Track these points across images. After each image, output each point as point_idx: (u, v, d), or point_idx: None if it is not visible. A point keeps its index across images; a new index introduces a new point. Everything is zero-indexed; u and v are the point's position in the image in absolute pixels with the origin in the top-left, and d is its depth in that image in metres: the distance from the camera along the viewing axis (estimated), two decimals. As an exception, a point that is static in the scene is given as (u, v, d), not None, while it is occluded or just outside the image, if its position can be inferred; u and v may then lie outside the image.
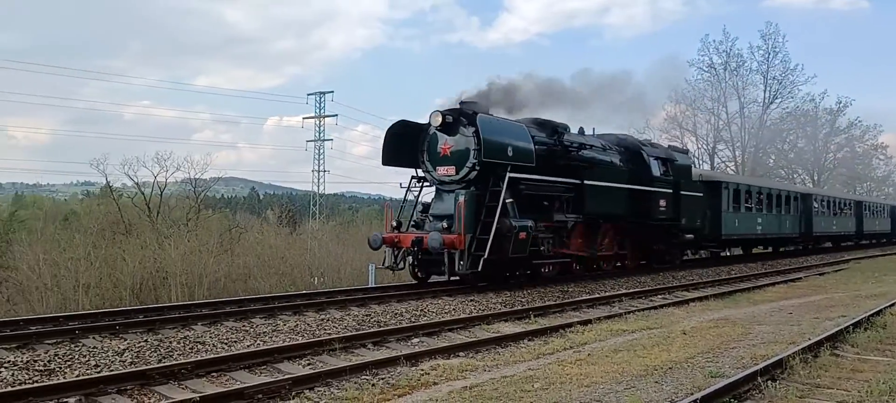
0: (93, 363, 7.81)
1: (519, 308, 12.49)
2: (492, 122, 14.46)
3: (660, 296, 15.08)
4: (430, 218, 14.75)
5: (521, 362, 8.15)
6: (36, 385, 6.74)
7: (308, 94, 63.58)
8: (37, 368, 7.50)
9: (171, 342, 8.84)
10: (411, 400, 6.62)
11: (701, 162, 48.50)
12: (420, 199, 15.54)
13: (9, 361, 7.68)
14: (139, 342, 8.82)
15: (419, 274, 14.97)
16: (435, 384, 7.15)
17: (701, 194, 21.76)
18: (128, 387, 6.88)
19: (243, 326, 10.13)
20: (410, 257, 14.58)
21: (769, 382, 6.71)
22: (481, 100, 15.29)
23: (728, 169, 48.29)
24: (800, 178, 53.05)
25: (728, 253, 29.22)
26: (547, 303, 13.12)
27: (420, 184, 15.45)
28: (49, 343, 8.73)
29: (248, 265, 28.28)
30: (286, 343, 8.89)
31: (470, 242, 13.46)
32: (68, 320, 10.46)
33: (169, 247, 26.36)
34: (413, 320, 11.07)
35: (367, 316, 11.10)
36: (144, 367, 7.45)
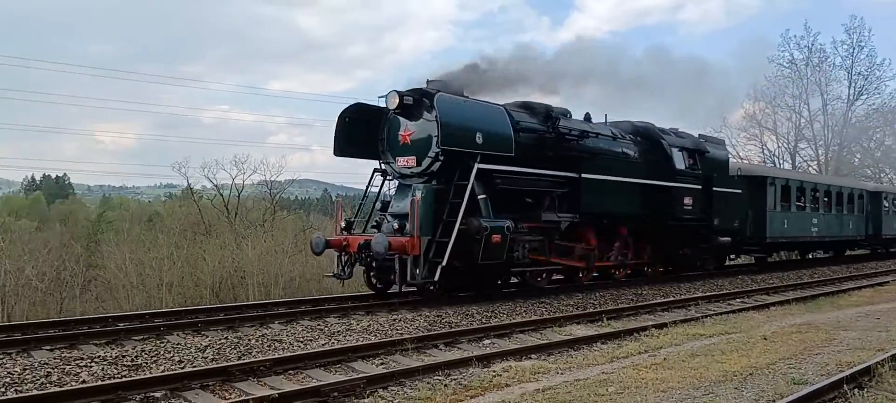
0: (177, 359, 8.11)
1: (591, 310, 12.36)
2: (456, 104, 12.34)
3: (738, 300, 14.66)
4: (389, 218, 12.74)
5: (594, 365, 8.06)
6: (124, 379, 7.05)
7: (379, 97, 64.25)
8: (125, 363, 7.83)
9: (249, 340, 9.10)
10: (484, 402, 6.63)
11: (782, 161, 46.89)
12: (382, 196, 13.57)
13: (99, 356, 8.06)
14: (220, 339, 9.11)
15: (376, 282, 13.08)
16: (507, 386, 7.14)
17: (740, 191, 19.24)
18: (210, 383, 7.12)
19: (318, 325, 10.34)
20: (360, 264, 12.64)
21: (856, 390, 6.45)
22: (459, 80, 13.16)
23: (810, 168, 46.52)
24: (887, 178, 50.62)
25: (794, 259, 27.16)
26: (620, 306, 12.93)
27: (383, 177, 13.52)
28: (136, 340, 9.12)
29: (322, 265, 28.81)
30: (360, 343, 9.03)
31: (427, 246, 11.57)
32: (153, 317, 10.90)
33: (246, 248, 27.09)
34: (484, 321, 11.09)
35: (438, 316, 11.16)
36: (225, 364, 7.70)
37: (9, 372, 7.22)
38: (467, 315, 11.48)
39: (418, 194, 11.89)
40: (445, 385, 7.23)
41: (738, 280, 18.59)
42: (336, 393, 6.76)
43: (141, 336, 9.26)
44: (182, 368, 7.69)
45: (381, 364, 8.28)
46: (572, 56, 16.15)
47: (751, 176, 21.09)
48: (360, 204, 14.19)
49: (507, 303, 12.66)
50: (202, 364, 7.94)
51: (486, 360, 8.23)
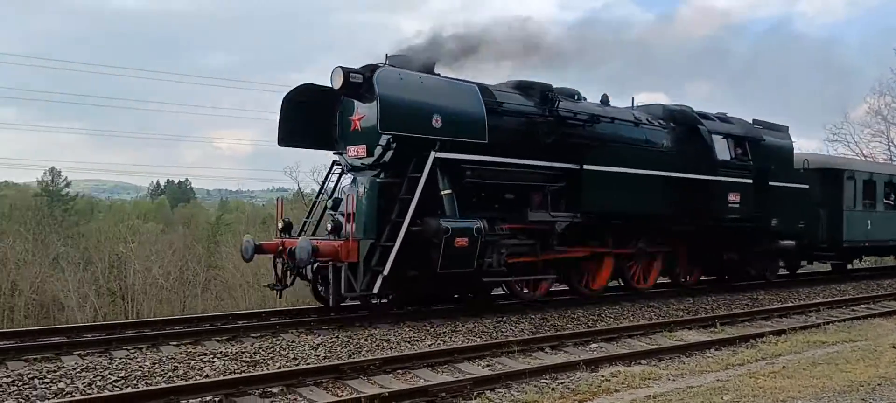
0: (291, 356, 8.42)
1: (703, 315, 11.99)
2: (405, 80, 10.39)
3: (863, 306, 13.84)
4: (339, 218, 10.93)
5: (707, 372, 7.81)
6: (244, 375, 7.38)
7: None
8: (244, 359, 8.20)
9: (359, 339, 9.33)
10: (592, 406, 6.57)
11: (911, 158, 43.70)
12: (338, 192, 11.65)
13: (220, 352, 8.47)
14: (331, 338, 9.38)
15: (324, 293, 10.93)
16: (616, 391, 7.03)
17: (806, 186, 16.32)
18: (323, 380, 7.36)
19: (424, 325, 10.44)
20: (292, 273, 10.72)
21: None
22: (431, 53, 11.24)
23: (944, 165, 43.17)
24: None
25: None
26: (734, 311, 12.48)
27: (342, 170, 11.63)
28: (253, 337, 9.51)
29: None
30: (465, 344, 9.11)
31: (369, 252, 9.87)
32: (269, 315, 11.33)
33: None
34: (590, 325, 10.96)
35: (543, 319, 11.10)
36: (337, 362, 7.95)
37: (140, 366, 7.71)
38: (572, 318, 11.37)
39: (360, 189, 10.41)
40: (552, 389, 7.20)
41: (862, 285, 17.49)
42: (444, 394, 6.86)
43: (258, 334, 9.66)
44: (296, 365, 7.99)
45: (487, 365, 8.32)
46: (665, 41, 14.76)
47: (823, 169, 18.02)
48: (314, 201, 12.28)
49: (614, 307, 12.44)
50: (315, 361, 8.21)
51: (593, 364, 8.14)
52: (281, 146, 11.37)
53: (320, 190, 12.08)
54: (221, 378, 7.27)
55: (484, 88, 11.34)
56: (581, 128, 12.20)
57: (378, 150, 10.50)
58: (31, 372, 7.26)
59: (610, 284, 13.69)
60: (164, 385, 7.00)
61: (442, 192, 10.24)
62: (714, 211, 14.03)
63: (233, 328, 9.90)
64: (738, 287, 15.54)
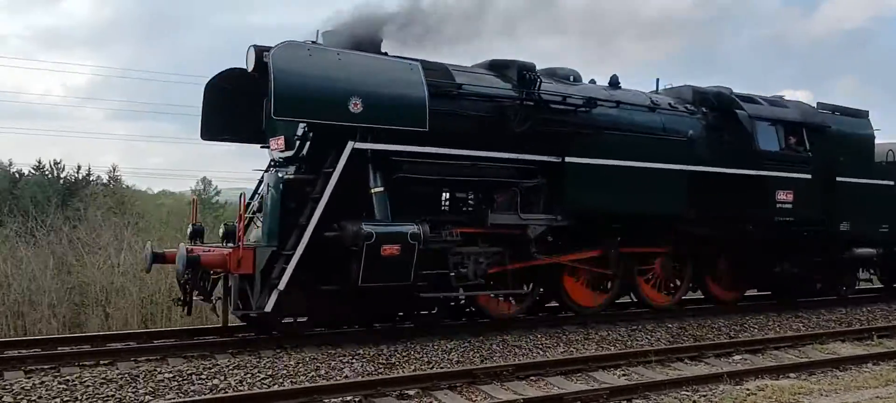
0: (425, 359, 8.58)
1: (857, 326, 11.23)
2: (314, 55, 8.75)
3: None
4: (259, 221, 9.44)
5: (865, 388, 7.30)
6: (382, 377, 7.60)
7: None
8: (380, 361, 8.44)
9: (491, 344, 9.37)
10: (737, 421, 6.28)
11: None
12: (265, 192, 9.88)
13: (358, 354, 8.75)
14: (463, 343, 9.48)
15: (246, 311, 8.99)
16: (763, 406, 6.70)
17: (891, 182, 13.54)
18: (457, 384, 7.46)
19: (556, 332, 10.35)
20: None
21: None
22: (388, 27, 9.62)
23: None
24: None
25: None
26: (894, 323, 11.57)
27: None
28: (388, 340, 9.78)
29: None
30: (599, 352, 8.97)
31: (270, 261, 8.45)
32: (403, 320, 11.59)
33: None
34: (732, 335, 10.53)
35: (681, 328, 10.74)
36: (470, 367, 8.04)
37: (285, 365, 8.09)
38: (713, 328, 10.93)
39: (270, 185, 9.12)
40: (694, 402, 6.94)
41: None
42: (579, 402, 6.78)
43: (392, 338, 9.90)
44: (431, 369, 8.15)
45: (623, 375, 8.15)
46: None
47: None
48: (247, 203, 10.14)
49: (758, 317, 11.83)
50: (448, 365, 8.34)
51: (737, 377, 7.81)
52: (203, 139, 10.10)
53: (255, 190, 10.26)
54: (360, 379, 7.52)
55: (433, 66, 9.63)
56: (571, 113, 10.25)
57: (296, 142, 9.21)
58: (190, 369, 7.78)
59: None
60: (307, 384, 7.32)
61: (372, 191, 8.75)
62: (755, 213, 11.75)
63: (368, 331, 10.19)
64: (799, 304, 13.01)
